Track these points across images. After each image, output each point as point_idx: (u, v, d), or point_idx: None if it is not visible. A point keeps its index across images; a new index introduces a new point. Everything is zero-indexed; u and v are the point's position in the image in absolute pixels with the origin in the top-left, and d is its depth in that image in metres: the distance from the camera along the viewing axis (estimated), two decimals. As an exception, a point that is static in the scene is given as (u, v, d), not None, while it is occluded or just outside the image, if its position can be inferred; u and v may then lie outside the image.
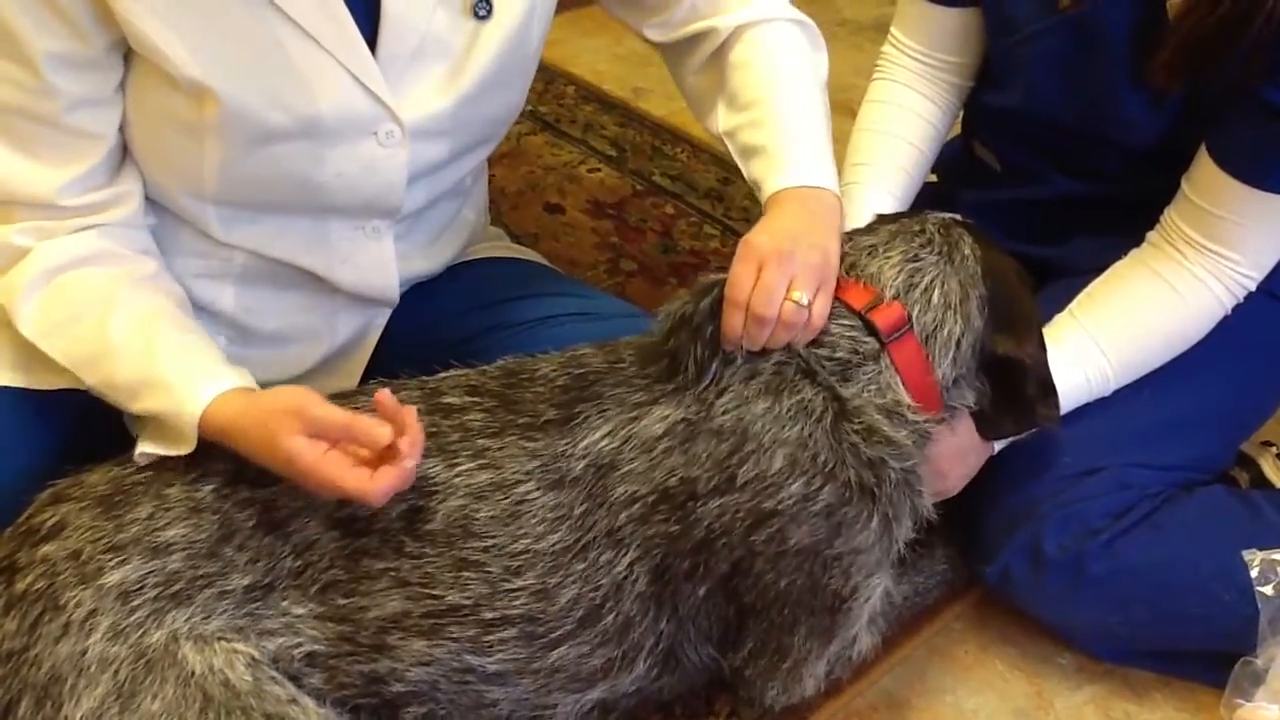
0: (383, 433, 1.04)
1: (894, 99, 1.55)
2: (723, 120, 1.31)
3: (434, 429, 1.15)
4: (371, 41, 1.13)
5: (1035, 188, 1.52)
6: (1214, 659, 1.35)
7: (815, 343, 1.16)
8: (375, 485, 1.04)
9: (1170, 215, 1.36)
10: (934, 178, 1.64)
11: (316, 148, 1.15)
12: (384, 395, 1.06)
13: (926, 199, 1.55)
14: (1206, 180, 1.31)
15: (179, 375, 1.09)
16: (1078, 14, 1.34)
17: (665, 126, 2.44)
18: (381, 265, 1.30)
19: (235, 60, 1.08)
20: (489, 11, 1.17)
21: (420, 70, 1.16)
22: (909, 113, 1.54)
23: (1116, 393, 1.37)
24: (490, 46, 1.19)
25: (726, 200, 2.23)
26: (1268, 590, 1.29)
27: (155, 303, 1.15)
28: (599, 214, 2.18)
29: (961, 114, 1.63)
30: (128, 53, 1.11)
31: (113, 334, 1.11)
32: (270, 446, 1.04)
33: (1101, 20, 1.33)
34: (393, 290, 1.34)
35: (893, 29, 1.58)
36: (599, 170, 2.31)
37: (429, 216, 1.34)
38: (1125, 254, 1.40)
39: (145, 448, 1.11)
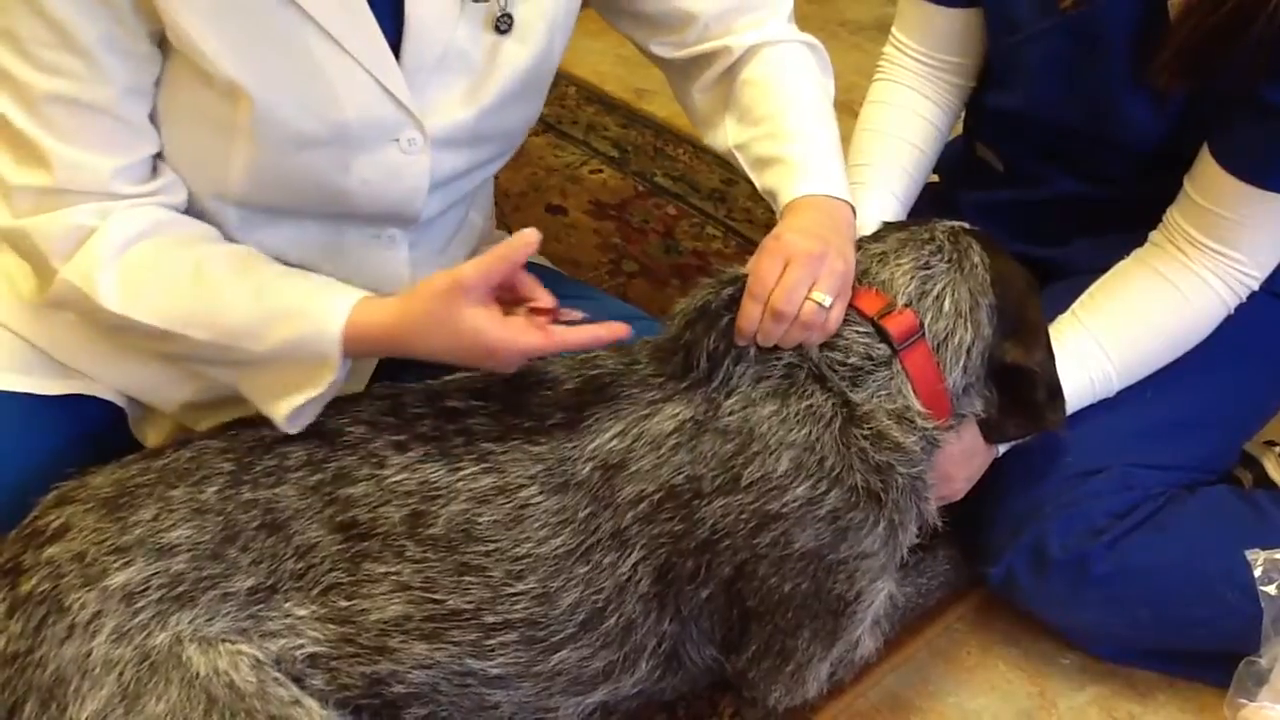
0: (529, 233, 1.07)
1: (895, 100, 1.55)
2: (733, 134, 1.32)
3: (436, 433, 1.15)
4: (395, 52, 1.13)
5: (1037, 188, 1.52)
6: (1217, 659, 1.35)
7: (828, 347, 1.16)
8: (578, 334, 1.09)
9: (1173, 215, 1.36)
10: (935, 178, 1.64)
11: (343, 154, 1.15)
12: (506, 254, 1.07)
13: (928, 200, 1.55)
14: (1209, 180, 1.31)
15: (306, 297, 1.09)
16: (1079, 14, 1.34)
17: (667, 127, 2.44)
18: (395, 274, 1.30)
19: (268, 64, 1.08)
20: (510, 26, 1.18)
21: (443, 81, 1.17)
22: (910, 113, 1.54)
23: (1119, 393, 1.36)
24: (512, 61, 1.20)
25: (729, 201, 2.23)
26: (1271, 590, 1.29)
27: (243, 248, 1.16)
28: (601, 215, 2.19)
29: (963, 114, 1.63)
30: (162, 46, 1.10)
31: (217, 282, 1.10)
32: (452, 328, 1.06)
33: (1103, 21, 1.33)
34: None
35: (894, 29, 1.58)
36: (601, 171, 2.31)
37: (439, 223, 1.35)
38: (1127, 254, 1.40)
39: (291, 402, 1.09)
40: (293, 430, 1.12)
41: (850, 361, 1.16)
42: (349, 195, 1.19)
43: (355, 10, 1.09)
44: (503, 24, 1.17)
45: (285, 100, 1.10)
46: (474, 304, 1.06)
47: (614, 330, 1.11)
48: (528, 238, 1.07)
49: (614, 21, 1.38)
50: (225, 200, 1.18)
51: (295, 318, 1.08)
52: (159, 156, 1.17)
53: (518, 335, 1.07)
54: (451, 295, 1.05)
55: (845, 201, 1.22)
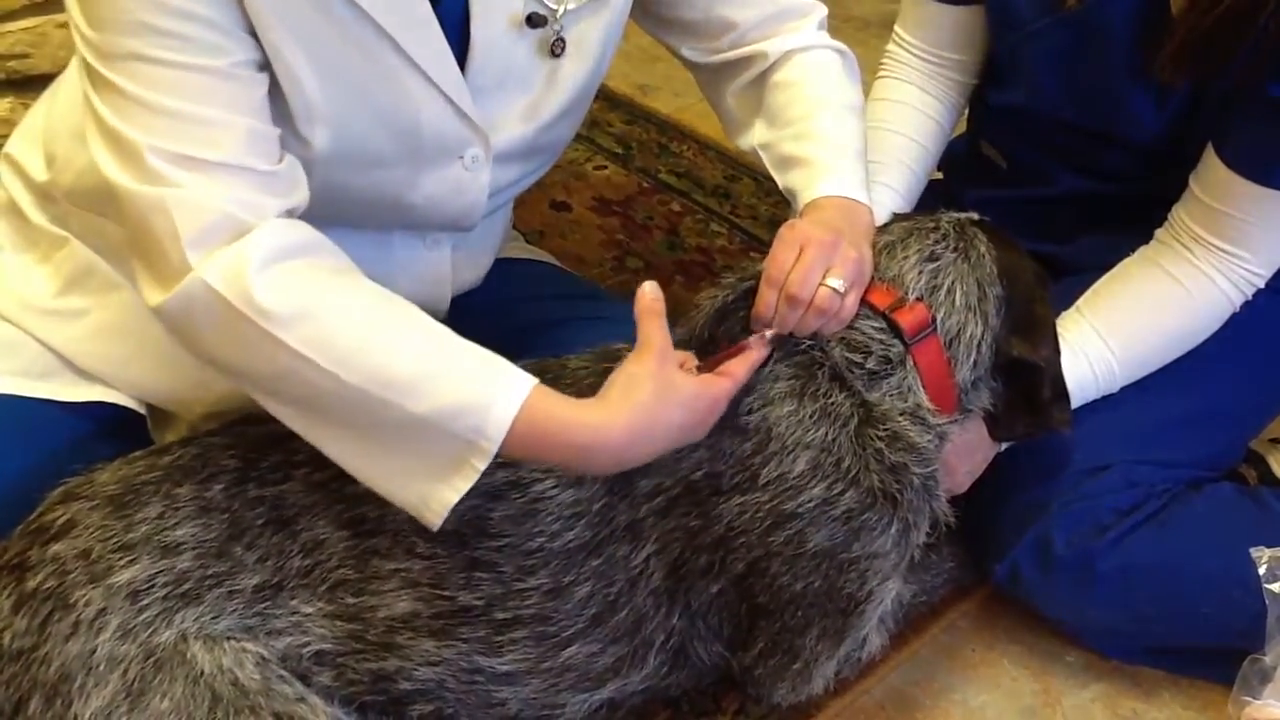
0: (653, 286, 1.07)
1: (899, 96, 1.55)
2: (759, 135, 1.33)
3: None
4: (460, 71, 1.14)
5: (1041, 186, 1.52)
6: (1222, 656, 1.35)
7: (845, 345, 1.16)
8: (740, 366, 1.10)
9: (1178, 213, 1.36)
10: (939, 175, 1.64)
11: (411, 172, 1.16)
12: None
13: (932, 197, 1.55)
14: (1214, 178, 1.30)
15: (483, 365, 1.00)
16: (1080, 10, 1.34)
17: (672, 124, 2.44)
18: (439, 276, 1.31)
19: (349, 83, 1.08)
20: (563, 49, 1.19)
21: (503, 100, 1.19)
22: (914, 110, 1.54)
23: (1124, 390, 1.36)
24: (567, 82, 1.21)
25: (733, 197, 2.23)
26: (1276, 587, 1.29)
27: (406, 301, 1.06)
28: (605, 211, 2.18)
29: (967, 111, 1.63)
30: None
31: (393, 324, 1.01)
32: (679, 399, 1.04)
33: (1104, 16, 1.33)
34: (445, 301, 1.35)
35: (897, 27, 1.58)
36: (605, 168, 2.31)
37: (483, 226, 1.35)
38: (1132, 252, 1.39)
39: (445, 497, 1.00)
40: (436, 522, 1.02)
41: (869, 364, 1.15)
42: (412, 210, 1.20)
43: (430, 31, 1.10)
44: (557, 48, 1.19)
45: (362, 120, 1.10)
46: (678, 368, 1.06)
47: (762, 354, 1.12)
48: (655, 292, 1.07)
49: (649, 28, 1.39)
50: (288, 214, 1.16)
51: (471, 382, 0.98)
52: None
53: (721, 384, 1.08)
54: (664, 367, 1.03)
55: (865, 205, 1.23)
